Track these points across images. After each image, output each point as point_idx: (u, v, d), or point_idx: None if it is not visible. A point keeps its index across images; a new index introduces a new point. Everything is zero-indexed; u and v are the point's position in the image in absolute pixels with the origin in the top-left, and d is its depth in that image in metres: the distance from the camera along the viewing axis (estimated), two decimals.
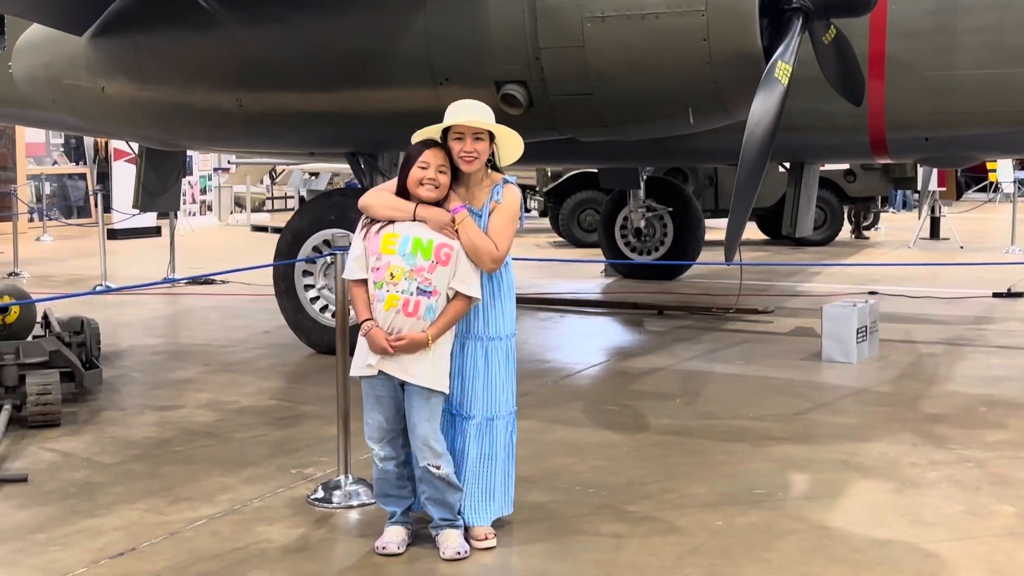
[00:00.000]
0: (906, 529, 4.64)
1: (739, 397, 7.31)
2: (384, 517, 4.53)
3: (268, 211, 28.83)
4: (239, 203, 28.47)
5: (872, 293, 12.00)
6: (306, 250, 8.60)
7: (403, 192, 4.37)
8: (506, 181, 4.50)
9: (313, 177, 26.67)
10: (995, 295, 11.96)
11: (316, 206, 9.08)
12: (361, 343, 4.35)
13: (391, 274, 4.26)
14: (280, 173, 29.00)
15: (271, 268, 8.77)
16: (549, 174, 18.92)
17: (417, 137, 4.44)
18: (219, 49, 8.23)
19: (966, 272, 13.90)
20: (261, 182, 29.53)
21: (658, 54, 6.90)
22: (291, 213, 26.66)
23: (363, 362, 4.35)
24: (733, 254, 7.28)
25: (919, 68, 8.77)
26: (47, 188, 22.59)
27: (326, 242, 8.47)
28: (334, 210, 8.74)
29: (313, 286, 8.70)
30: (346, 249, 4.79)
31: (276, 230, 22.56)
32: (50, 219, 21.59)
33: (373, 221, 4.39)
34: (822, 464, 5.61)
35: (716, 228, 18.35)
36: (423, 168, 4.28)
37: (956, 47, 8.67)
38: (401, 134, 4.67)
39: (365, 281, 4.35)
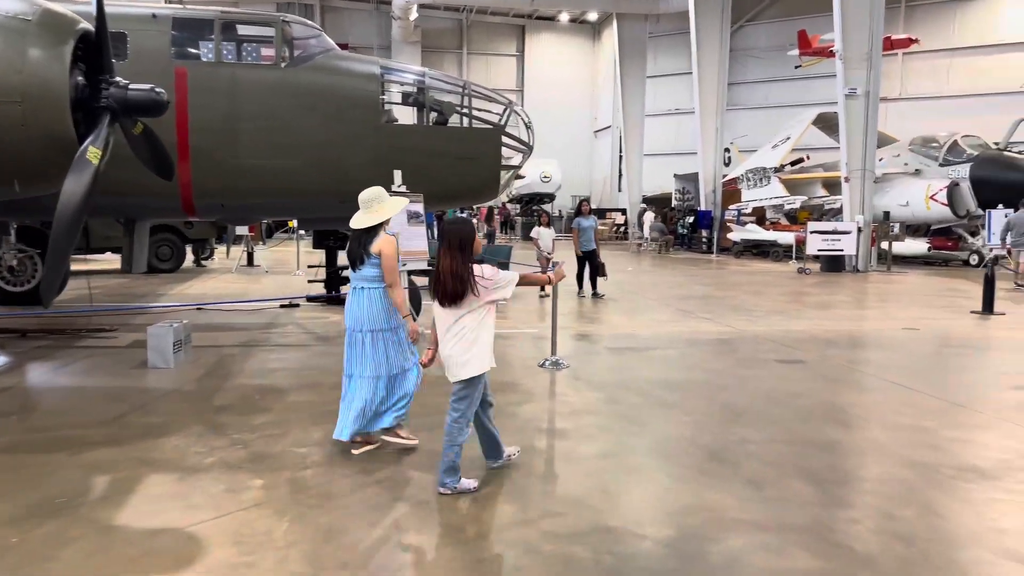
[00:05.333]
0: (179, 515, 3.62)
1: (72, 406, 5.57)
2: None
3: None
4: None
5: (199, 308, 10.70)
6: None
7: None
8: None
9: None
10: (282, 306, 10.94)
11: None
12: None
13: None
14: None
15: None
16: None
17: None
18: None
19: (266, 287, 13.21)
20: None
21: None
22: None
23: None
24: (50, 302, 5.65)
25: (216, 157, 7.83)
26: None
27: None
28: None
29: None
30: None
31: None
32: None
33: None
34: (125, 463, 4.32)
35: (91, 260, 15.53)
36: None
37: (240, 144, 7.87)
38: None
39: None
